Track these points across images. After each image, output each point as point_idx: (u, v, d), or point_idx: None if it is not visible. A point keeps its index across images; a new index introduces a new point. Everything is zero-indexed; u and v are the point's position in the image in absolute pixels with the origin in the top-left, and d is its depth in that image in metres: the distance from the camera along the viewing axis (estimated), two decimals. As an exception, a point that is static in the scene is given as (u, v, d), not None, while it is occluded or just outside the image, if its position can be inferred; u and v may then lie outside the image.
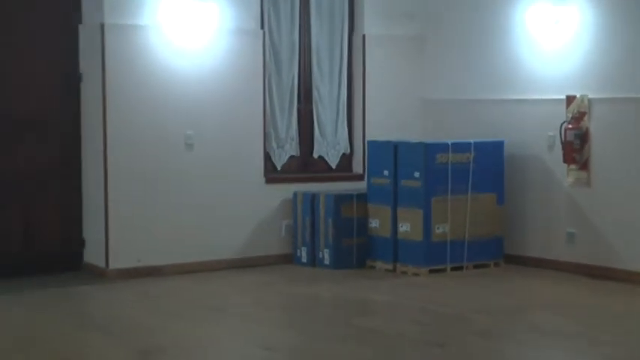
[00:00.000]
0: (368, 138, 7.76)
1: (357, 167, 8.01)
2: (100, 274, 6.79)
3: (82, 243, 7.02)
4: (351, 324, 5.79)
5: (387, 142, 7.33)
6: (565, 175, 7.09)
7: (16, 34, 6.71)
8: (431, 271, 6.96)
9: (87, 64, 6.88)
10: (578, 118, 6.89)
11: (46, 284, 6.56)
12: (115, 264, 6.77)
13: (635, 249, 6.80)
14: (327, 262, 7.30)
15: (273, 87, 7.40)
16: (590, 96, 6.89)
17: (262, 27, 7.18)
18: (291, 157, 7.65)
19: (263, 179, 7.31)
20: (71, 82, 6.84)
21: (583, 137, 6.92)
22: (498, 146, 7.37)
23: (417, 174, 7.01)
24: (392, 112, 7.92)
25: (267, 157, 7.40)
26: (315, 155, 7.83)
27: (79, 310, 6.38)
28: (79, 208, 7.09)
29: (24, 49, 6.68)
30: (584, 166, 6.96)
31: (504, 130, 7.48)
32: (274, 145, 7.43)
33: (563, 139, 6.96)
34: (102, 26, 6.53)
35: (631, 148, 6.83)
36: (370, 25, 7.83)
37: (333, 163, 7.86)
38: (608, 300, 6.33)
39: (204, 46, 6.99)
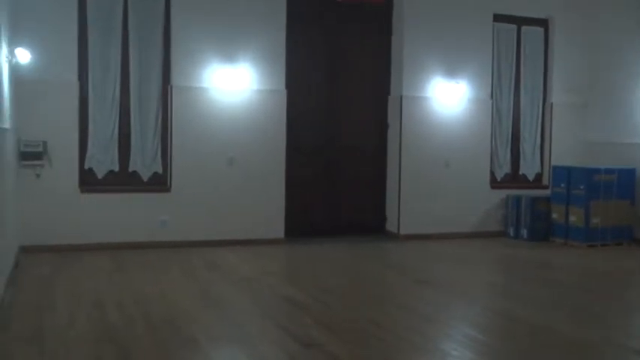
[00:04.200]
0: (553, 164, 10.54)
1: (545, 181, 10.80)
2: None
3: (385, 218, 10.18)
4: (541, 274, 8.01)
5: (564, 167, 10.08)
6: None
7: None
8: (588, 246, 9.52)
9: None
10: None
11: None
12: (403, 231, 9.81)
13: None
14: (525, 236, 9.99)
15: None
16: None
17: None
18: (507, 173, 10.62)
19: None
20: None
21: None
22: (632, 171, 9.84)
23: (581, 186, 9.64)
24: (569, 150, 10.71)
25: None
26: (521, 172, 10.69)
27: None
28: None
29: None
30: None
31: (637, 161, 9.90)
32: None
33: None
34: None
35: None
36: (556, 95, 10.75)
37: (530, 178, 10.80)
38: None
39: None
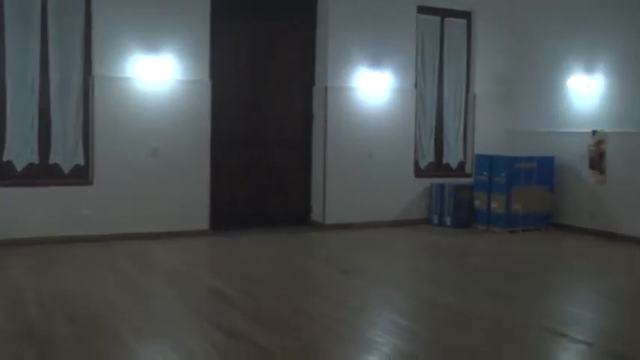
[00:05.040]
0: (475, 153, 10.75)
1: (468, 169, 11.02)
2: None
3: (310, 208, 10.11)
4: (465, 260, 8.20)
5: (487, 155, 10.32)
6: (590, 177, 9.77)
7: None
8: (509, 232, 9.76)
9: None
10: (599, 143, 9.58)
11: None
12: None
13: (630, 222, 9.20)
14: (448, 224, 10.17)
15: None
16: (607, 130, 9.50)
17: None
18: (431, 162, 10.75)
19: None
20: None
21: (602, 155, 9.57)
22: (551, 159, 10.12)
23: (503, 174, 9.85)
24: (491, 139, 10.94)
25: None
26: (444, 161, 10.93)
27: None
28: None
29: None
30: (602, 171, 9.58)
31: (556, 149, 10.20)
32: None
33: (589, 155, 9.70)
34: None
35: (631, 161, 9.21)
36: (479, 86, 10.98)
37: (454, 166, 11.00)
38: (615, 251, 8.68)
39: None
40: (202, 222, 9.23)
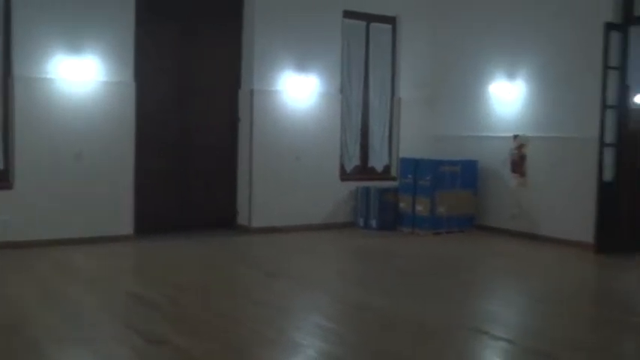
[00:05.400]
0: (400, 156, 10.77)
1: (394, 172, 11.06)
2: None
3: (236, 212, 10.01)
4: (391, 262, 8.31)
5: (412, 159, 10.39)
6: (512, 180, 10.02)
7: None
8: (434, 234, 9.87)
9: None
10: (520, 147, 9.85)
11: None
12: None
13: (549, 223, 9.45)
14: (374, 226, 10.21)
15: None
16: (528, 134, 9.78)
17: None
18: (356, 166, 10.83)
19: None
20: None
21: (523, 158, 9.84)
22: (474, 163, 10.32)
23: (427, 177, 9.95)
24: (416, 143, 11.08)
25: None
26: (370, 165, 11.00)
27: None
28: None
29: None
30: (522, 174, 9.84)
31: (479, 153, 10.41)
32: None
33: (511, 159, 9.97)
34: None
35: (549, 165, 9.51)
36: (404, 91, 11.10)
37: (379, 170, 11.05)
38: (536, 252, 8.89)
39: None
40: (126, 227, 9.07)
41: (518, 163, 10.04)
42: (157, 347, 4.93)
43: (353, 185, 10.69)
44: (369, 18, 10.92)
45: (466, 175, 10.36)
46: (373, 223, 10.40)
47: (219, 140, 10.07)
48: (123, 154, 9.00)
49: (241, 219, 10.07)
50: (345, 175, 10.76)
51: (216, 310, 5.96)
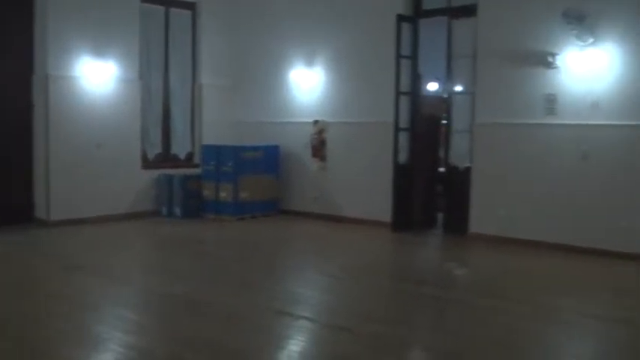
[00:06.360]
0: (203, 143, 10.80)
1: (197, 160, 11.00)
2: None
3: (33, 204, 9.53)
4: (195, 249, 8.33)
5: (214, 145, 10.44)
6: (313, 164, 10.35)
7: None
8: (238, 219, 10.05)
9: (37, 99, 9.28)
10: (320, 132, 10.20)
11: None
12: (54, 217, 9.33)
13: (350, 205, 9.95)
14: (178, 214, 10.22)
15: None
16: (327, 120, 10.18)
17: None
18: (159, 153, 10.66)
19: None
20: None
21: (323, 143, 10.22)
22: (276, 148, 10.53)
23: (230, 163, 10.03)
24: (219, 129, 11.11)
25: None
26: (173, 152, 10.86)
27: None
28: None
29: None
30: (323, 159, 10.20)
31: (281, 138, 10.65)
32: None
33: (312, 144, 10.33)
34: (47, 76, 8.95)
35: (348, 149, 10.03)
36: (205, 77, 11.13)
37: (182, 157, 10.98)
38: (338, 233, 9.35)
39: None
40: None
41: (319, 148, 10.35)
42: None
43: (156, 173, 10.56)
44: (168, 3, 10.78)
45: (268, 160, 10.53)
46: (177, 211, 10.32)
47: (12, 128, 9.50)
48: None
49: (39, 212, 9.60)
50: (147, 163, 10.58)
51: (11, 307, 5.66)
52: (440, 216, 9.86)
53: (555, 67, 8.15)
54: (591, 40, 7.87)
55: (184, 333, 5.08)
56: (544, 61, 8.19)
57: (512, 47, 8.49)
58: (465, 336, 5.09)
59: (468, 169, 9.05)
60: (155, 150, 10.75)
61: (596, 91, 7.90)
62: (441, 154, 9.91)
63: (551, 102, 8.22)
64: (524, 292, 6.37)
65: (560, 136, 8.18)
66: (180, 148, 11.09)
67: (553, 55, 8.15)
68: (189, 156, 11.20)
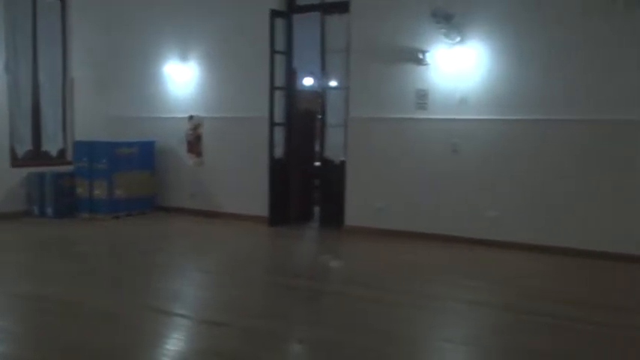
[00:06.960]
0: (76, 139, 10.50)
1: (69, 157, 10.63)
2: None
3: None
4: (68, 250, 8.12)
5: (87, 142, 10.16)
6: (189, 159, 10.32)
7: None
8: (113, 217, 9.89)
9: None
10: (196, 127, 10.17)
11: None
12: None
13: (227, 201, 9.97)
14: (51, 214, 9.89)
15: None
16: (203, 115, 10.18)
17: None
18: (29, 150, 10.25)
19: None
20: None
21: (198, 138, 10.17)
22: (151, 144, 10.41)
23: (104, 160, 9.85)
24: (92, 125, 10.85)
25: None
26: (44, 149, 10.48)
27: None
28: None
29: None
30: (199, 154, 10.17)
31: (156, 134, 10.54)
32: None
33: (187, 139, 10.27)
34: None
35: (224, 144, 9.97)
36: (77, 70, 10.75)
37: (54, 154, 10.59)
38: (215, 229, 9.33)
39: None
40: None
41: (194, 144, 10.32)
42: None
43: (25, 171, 10.18)
44: (31, -7, 10.34)
45: (144, 156, 10.38)
46: (49, 210, 10.01)
47: None
48: None
49: None
50: (16, 161, 10.19)
51: None
52: (316, 209, 9.95)
53: (426, 64, 8.41)
54: (458, 38, 8.17)
55: (53, 336, 4.93)
56: (415, 57, 8.44)
57: (384, 43, 8.69)
58: (342, 326, 5.19)
59: (343, 163, 9.20)
60: (25, 147, 10.36)
61: (463, 87, 8.19)
62: (317, 148, 10.00)
63: (422, 97, 8.48)
64: (398, 282, 6.57)
65: (431, 130, 8.45)
66: (51, 144, 10.72)
67: (423, 52, 8.40)
68: (62, 153, 10.83)
